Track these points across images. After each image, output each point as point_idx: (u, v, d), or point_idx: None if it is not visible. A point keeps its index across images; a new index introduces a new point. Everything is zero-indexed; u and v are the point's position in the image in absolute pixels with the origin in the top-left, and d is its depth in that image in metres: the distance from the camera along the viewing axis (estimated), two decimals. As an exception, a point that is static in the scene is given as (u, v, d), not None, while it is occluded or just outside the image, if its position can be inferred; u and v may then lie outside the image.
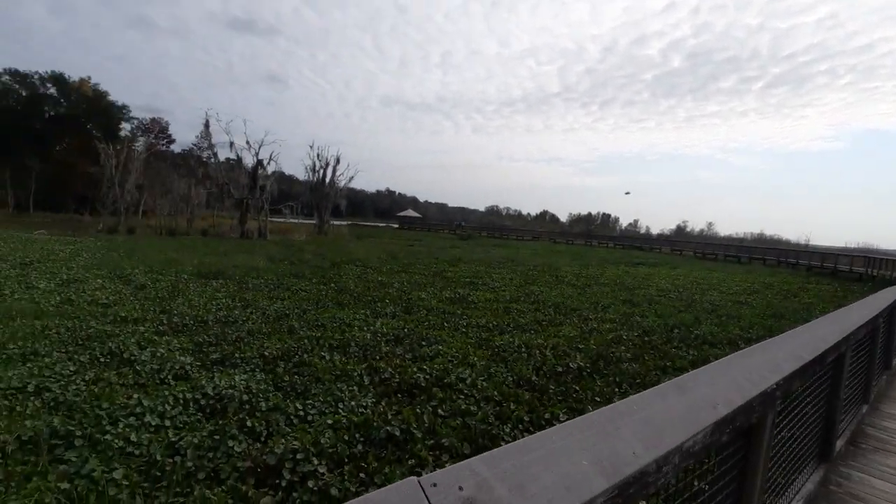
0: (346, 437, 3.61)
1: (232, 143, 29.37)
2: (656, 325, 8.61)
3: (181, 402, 4.09)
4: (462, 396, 4.59)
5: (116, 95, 53.89)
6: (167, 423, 3.74)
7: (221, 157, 31.04)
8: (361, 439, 3.63)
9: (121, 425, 3.57)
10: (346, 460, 3.34)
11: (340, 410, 4.14)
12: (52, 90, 40.77)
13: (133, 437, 3.40)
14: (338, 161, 37.62)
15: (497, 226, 71.08)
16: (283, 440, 3.46)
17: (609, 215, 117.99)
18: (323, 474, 3.12)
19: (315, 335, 6.52)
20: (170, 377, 4.75)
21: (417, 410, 4.15)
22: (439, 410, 4.22)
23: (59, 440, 3.31)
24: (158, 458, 3.18)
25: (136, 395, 4.11)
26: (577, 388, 5.06)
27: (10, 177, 36.41)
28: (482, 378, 5.15)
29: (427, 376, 5.06)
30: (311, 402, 4.27)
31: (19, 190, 37.41)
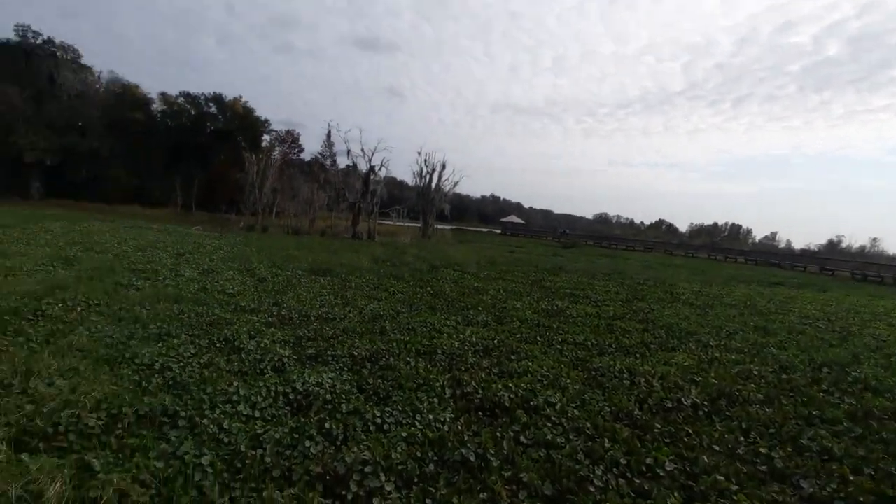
0: (418, 454, 3.43)
1: (349, 151, 31.88)
2: (798, 360, 7.12)
3: (272, 394, 4.29)
4: (549, 424, 4.14)
5: (261, 111, 62.01)
6: (257, 413, 3.92)
7: (341, 164, 33.86)
8: (434, 458, 3.42)
9: (217, 411, 3.83)
10: (416, 480, 3.15)
11: (417, 423, 3.98)
12: (214, 109, 48.24)
13: (225, 425, 3.61)
14: (443, 167, 38.61)
15: (605, 234, 66.86)
16: (355, 448, 3.40)
17: (739, 226, 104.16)
18: (389, 493, 2.96)
19: (404, 339, 6.53)
20: (268, 368, 5.06)
21: (497, 434, 3.83)
22: (522, 437, 3.84)
23: (167, 419, 3.64)
24: (243, 448, 3.31)
25: (235, 383, 4.41)
26: (690, 430, 4.28)
27: (179, 182, 43.85)
28: (574, 405, 4.63)
29: (512, 395, 4.69)
30: (389, 409, 4.18)
31: (186, 193, 44.83)
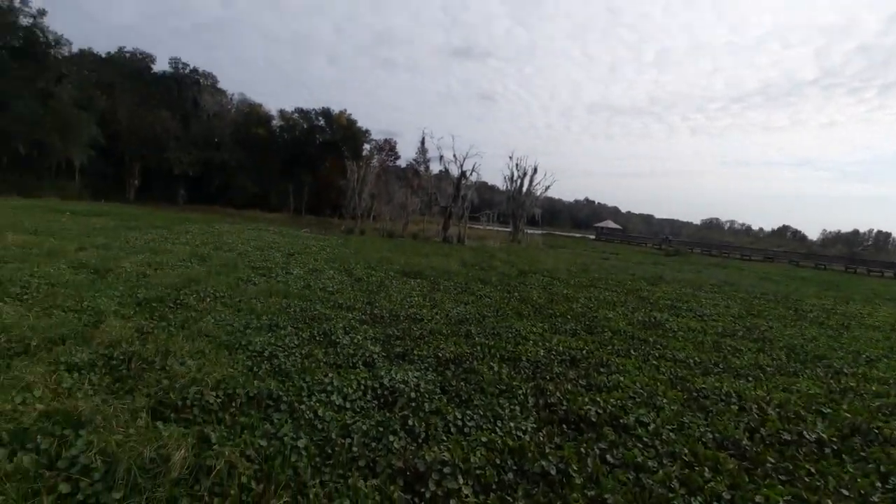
0: (497, 461, 3.40)
1: (441, 157, 32.79)
2: (976, 402, 5.75)
3: (362, 387, 4.55)
4: (639, 445, 3.85)
5: (363, 122, 66.52)
6: (347, 404, 4.19)
7: (434, 170, 34.94)
8: (514, 467, 3.37)
9: (314, 399, 4.16)
10: (494, 487, 3.13)
11: (498, 429, 3.94)
12: (322, 122, 52.80)
13: (320, 412, 3.91)
14: (535, 170, 37.95)
15: (715, 242, 60.27)
16: (436, 448, 3.47)
17: (888, 234, 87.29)
18: (467, 496, 2.98)
19: (489, 343, 6.52)
20: (360, 362, 5.38)
21: (581, 450, 3.64)
22: (608, 456, 3.61)
23: (272, 402, 4.04)
24: (334, 436, 3.56)
25: (330, 374, 4.75)
26: (812, 469, 3.68)
27: (292, 189, 48.66)
28: (670, 427, 4.24)
29: (600, 410, 4.43)
30: (471, 412, 4.20)
31: (297, 199, 49.60)
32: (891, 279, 30.44)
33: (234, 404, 3.90)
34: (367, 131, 54.68)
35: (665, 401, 4.87)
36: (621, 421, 4.26)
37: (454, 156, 32.56)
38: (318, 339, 6.12)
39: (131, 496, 2.63)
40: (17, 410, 3.35)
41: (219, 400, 3.90)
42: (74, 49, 39.09)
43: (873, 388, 5.95)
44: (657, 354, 6.76)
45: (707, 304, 11.71)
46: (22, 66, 33.16)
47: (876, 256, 62.36)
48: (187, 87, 47.02)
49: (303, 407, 3.96)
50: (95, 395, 3.79)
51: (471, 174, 33.07)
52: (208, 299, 7.51)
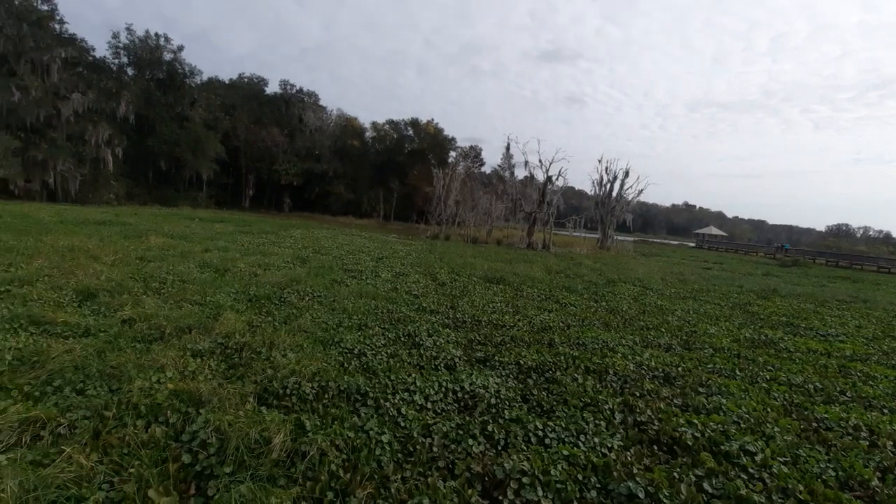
0: (579, 477, 3.25)
1: (527, 162, 32.52)
2: None
3: (443, 389, 4.64)
4: (744, 476, 3.44)
5: (449, 130, 68.01)
6: (429, 405, 4.30)
7: (519, 176, 34.64)
8: (597, 485, 3.20)
9: (397, 397, 4.33)
10: None
11: (581, 444, 3.78)
12: (410, 132, 55.03)
13: (403, 410, 4.06)
14: (626, 174, 35.86)
15: (843, 252, 51.80)
16: (515, 456, 3.42)
17: None
18: (546, 509, 2.89)
19: (573, 354, 6.28)
20: (442, 365, 5.49)
21: (675, 475, 3.35)
22: (705, 484, 3.28)
23: (359, 397, 4.28)
24: (415, 434, 3.68)
25: (413, 375, 4.91)
26: None
27: (382, 196, 51.26)
28: (782, 459, 3.73)
29: (697, 434, 4.05)
30: (552, 424, 4.07)
31: (386, 205, 52.12)
32: None
33: (326, 396, 4.20)
34: (452, 139, 55.91)
35: (777, 429, 4.30)
36: (722, 447, 3.84)
37: (540, 160, 32.07)
38: (402, 340, 6.36)
39: (238, 471, 2.95)
40: (153, 388, 3.94)
41: (314, 391, 4.23)
42: (204, 77, 45.15)
43: None
44: (768, 377, 6.00)
45: (832, 323, 10.14)
46: (165, 95, 39.07)
47: None
48: (293, 105, 51.89)
49: (387, 404, 4.14)
50: (213, 378, 4.32)
51: (557, 179, 32.23)
52: (307, 298, 8.18)
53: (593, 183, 37.59)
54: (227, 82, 50.39)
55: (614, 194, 36.12)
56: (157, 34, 39.07)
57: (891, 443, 4.18)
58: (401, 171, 52.23)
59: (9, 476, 2.60)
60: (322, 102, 56.24)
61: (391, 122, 55.38)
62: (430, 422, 3.91)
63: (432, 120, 54.82)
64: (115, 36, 37.91)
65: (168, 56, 39.71)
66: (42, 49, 30.26)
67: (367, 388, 4.40)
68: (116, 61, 38.17)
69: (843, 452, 3.96)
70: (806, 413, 4.84)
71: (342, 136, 53.44)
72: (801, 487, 3.32)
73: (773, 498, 3.18)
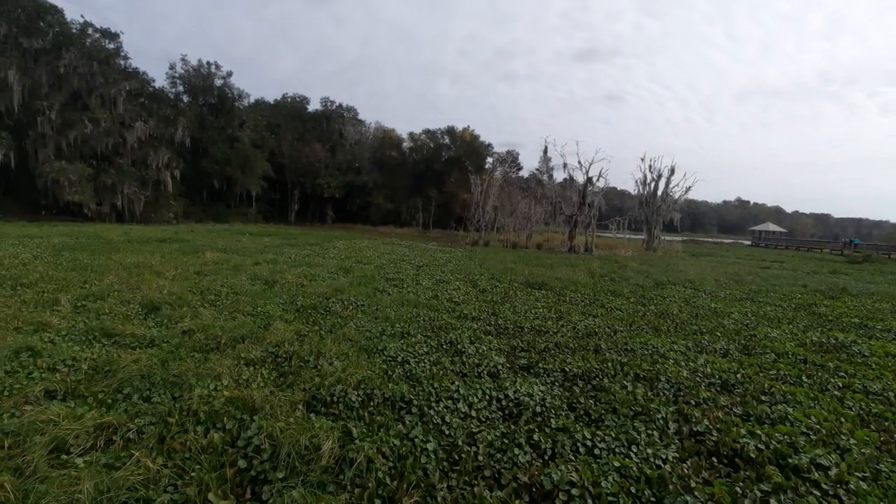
0: (632, 489, 3.12)
1: (565, 165, 31.93)
2: None
3: (487, 397, 4.60)
4: (816, 492, 3.17)
5: (485, 136, 68.13)
6: (473, 413, 4.27)
7: (558, 178, 34.13)
8: (652, 499, 3.05)
9: (441, 405, 4.33)
10: (628, 517, 2.88)
11: (632, 455, 3.62)
12: (447, 140, 55.55)
13: (447, 418, 4.06)
14: (672, 171, 34.45)
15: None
16: (563, 466, 3.32)
17: None
18: (597, 522, 2.79)
19: (621, 360, 6.06)
20: (485, 373, 5.45)
21: (737, 489, 3.15)
22: (772, 500, 3.05)
23: (404, 404, 4.32)
24: (460, 443, 3.66)
25: (457, 383, 4.91)
26: None
27: (421, 205, 51.93)
28: (860, 474, 3.42)
29: (761, 446, 3.78)
30: (601, 433, 3.94)
31: (425, 213, 52.73)
32: None
33: (371, 403, 4.27)
34: (489, 145, 55.93)
35: (853, 442, 3.95)
36: (790, 461, 3.56)
37: (579, 162, 31.52)
38: (445, 347, 6.37)
39: (290, 477, 3.05)
40: (211, 395, 4.15)
41: (360, 398, 4.31)
42: (251, 99, 47.73)
43: None
44: (840, 384, 5.53)
45: (918, 325, 9.22)
46: (216, 118, 41.61)
47: None
48: (334, 120, 53.75)
49: (431, 412, 4.15)
50: (265, 386, 4.50)
51: (597, 180, 31.44)
52: (351, 307, 8.37)
53: (636, 182, 36.36)
54: (272, 103, 52.99)
55: (659, 193, 34.77)
56: (208, 62, 41.83)
57: None
58: (438, 180, 52.75)
59: (86, 478, 2.82)
60: (360, 116, 57.99)
61: (427, 132, 56.17)
62: (474, 430, 3.88)
63: (468, 127, 55.15)
64: (172, 67, 40.92)
65: (219, 82, 42.31)
66: (110, 84, 33.11)
67: (412, 396, 4.44)
68: (173, 90, 41.14)
69: (932, 468, 3.57)
70: (887, 424, 4.42)
71: (381, 148, 54.73)
72: (886, 505, 3.02)
73: (852, 517, 2.92)
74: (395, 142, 57.00)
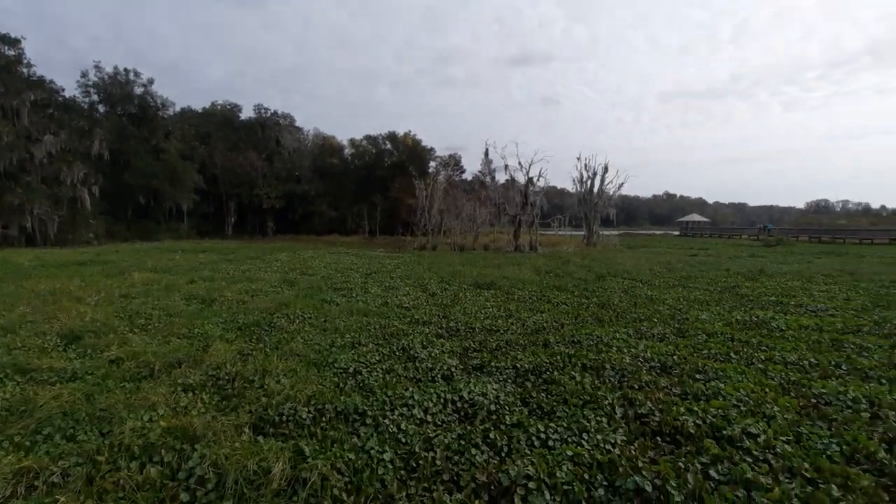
0: (586, 476, 3.23)
1: (506, 166, 32.65)
2: None
3: (442, 401, 4.60)
4: (748, 459, 3.45)
5: (427, 141, 68.02)
6: (429, 418, 4.25)
7: (500, 180, 34.93)
8: (604, 483, 3.18)
9: (396, 413, 4.28)
10: None
11: (584, 442, 3.76)
12: (389, 145, 55.14)
13: (403, 426, 4.01)
14: (606, 169, 36.32)
15: (824, 227, 53.11)
16: (519, 461, 3.39)
17: None
18: (554, 512, 2.86)
19: (569, 352, 6.29)
20: (438, 376, 5.44)
21: (680, 464, 3.35)
22: (711, 471, 3.28)
23: (358, 416, 4.22)
24: (417, 449, 3.62)
25: (411, 389, 4.86)
26: (985, 491, 3.05)
27: (366, 212, 51.19)
28: (784, 438, 3.77)
29: (699, 421, 4.06)
30: (554, 425, 4.05)
31: (371, 220, 52.02)
32: None
33: (324, 419, 4.13)
34: (431, 149, 56.07)
35: (776, 409, 4.34)
36: (725, 432, 3.86)
37: (519, 163, 32.29)
38: (397, 354, 6.30)
39: (239, 505, 2.87)
40: (145, 427, 3.83)
41: (311, 415, 4.16)
42: (177, 108, 44.82)
43: None
44: (763, 357, 6.07)
45: (821, 298, 10.33)
46: (138, 129, 38.66)
47: None
48: (270, 128, 51.66)
49: (386, 421, 4.08)
50: (207, 412, 4.22)
51: (538, 180, 32.52)
52: (297, 321, 8.07)
53: (574, 181, 37.95)
54: (200, 111, 50.08)
55: (596, 190, 36.52)
56: (126, 69, 38.80)
57: (893, 413, 4.24)
58: (383, 186, 52.22)
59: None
60: (298, 123, 56.14)
61: (369, 138, 55.48)
62: (431, 435, 3.86)
63: (410, 132, 55.05)
64: (84, 74, 37.58)
65: (139, 90, 39.38)
66: (11, 94, 29.77)
67: (365, 407, 4.34)
68: (87, 100, 37.77)
69: (845, 426, 4.00)
70: (804, 390, 4.90)
71: (321, 155, 53.40)
72: (807, 465, 3.34)
73: (780, 478, 3.20)
74: (336, 148, 55.84)
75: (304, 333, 7.22)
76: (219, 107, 51.40)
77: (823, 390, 4.83)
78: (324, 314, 8.62)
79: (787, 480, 3.19)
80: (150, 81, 40.04)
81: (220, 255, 22.34)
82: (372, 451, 3.53)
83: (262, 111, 52.49)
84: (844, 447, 3.63)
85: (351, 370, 5.51)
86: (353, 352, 6.28)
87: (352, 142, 56.37)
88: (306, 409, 4.22)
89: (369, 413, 4.23)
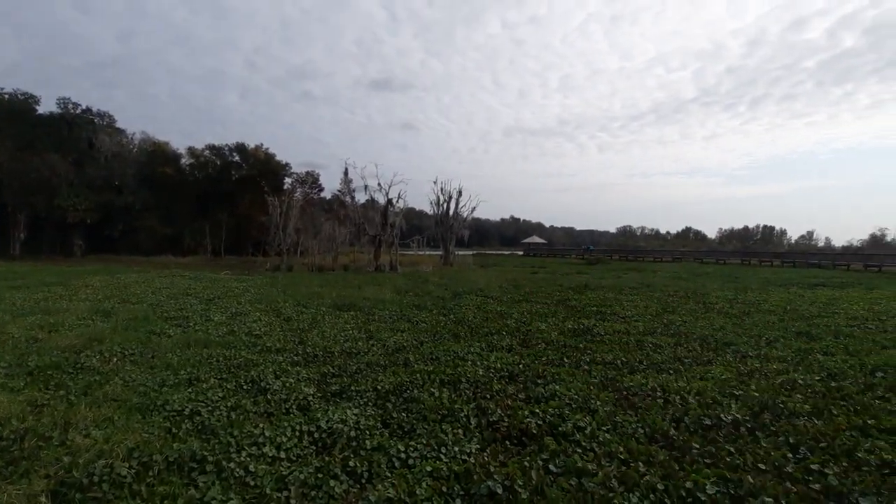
0: (444, 489, 3.35)
1: (366, 187, 32.68)
2: (848, 366, 6.71)
3: (297, 434, 4.29)
4: (579, 450, 3.99)
5: (283, 156, 64.46)
6: (282, 454, 3.92)
7: (360, 200, 34.69)
8: (461, 493, 3.33)
9: (244, 454, 3.85)
10: (442, 516, 3.07)
11: (443, 456, 3.90)
12: (237, 158, 50.48)
13: (251, 467, 3.62)
14: (460, 193, 38.94)
15: (630, 248, 65.56)
16: (380, 486, 3.35)
17: (772, 228, 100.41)
18: (415, 531, 2.89)
19: (428, 369, 6.47)
20: (294, 407, 5.08)
21: (526, 463, 3.71)
22: (551, 465, 3.70)
23: (196, 464, 3.67)
24: (268, 491, 3.31)
25: (261, 425, 4.44)
26: (732, 449, 4.04)
27: (209, 230, 45.69)
28: (605, 428, 4.46)
29: (540, 422, 4.56)
30: (414, 443, 4.12)
31: (215, 239, 46.59)
32: (779, 267, 34.80)
33: (150, 473, 3.49)
34: (287, 164, 53.10)
35: (598, 403, 5.12)
36: (560, 429, 4.40)
37: (379, 184, 32.71)
38: (245, 388, 5.71)
39: None
40: None
41: (132, 471, 3.48)
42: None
43: (775, 367, 6.71)
44: (588, 360, 7.11)
45: (628, 307, 12.59)
46: None
47: (764, 248, 71.69)
48: (80, 127, 42.82)
49: (231, 465, 3.64)
50: (-28, 488, 3.22)
51: (397, 201, 33.28)
52: (115, 359, 6.75)
53: (431, 203, 39.81)
54: (-27, 98, 39.20)
55: (451, 213, 38.83)
56: None
57: (678, 397, 5.34)
58: (230, 201, 47.38)
59: None
60: (120, 125, 47.90)
61: (213, 148, 50.06)
62: (284, 473, 3.57)
63: (262, 145, 51.37)
64: None
65: None
66: None
67: (205, 452, 3.81)
68: None
69: (646, 412, 4.90)
70: (618, 385, 5.88)
71: (150, 163, 46.17)
72: (622, 448, 4.00)
73: (602, 463, 3.76)
74: (170, 156, 48.92)
75: (125, 373, 6.06)
76: (6, 95, 40.92)
77: (631, 384, 5.86)
78: (151, 349, 7.38)
79: (607, 464, 3.76)
80: None
81: (3, 280, 17.50)
82: (213, 502, 3.11)
83: (70, 106, 43.44)
84: (647, 429, 4.45)
85: (187, 411, 4.79)
86: (189, 390, 5.49)
87: (191, 151, 50.12)
88: (126, 465, 3.52)
89: (210, 458, 3.72)
